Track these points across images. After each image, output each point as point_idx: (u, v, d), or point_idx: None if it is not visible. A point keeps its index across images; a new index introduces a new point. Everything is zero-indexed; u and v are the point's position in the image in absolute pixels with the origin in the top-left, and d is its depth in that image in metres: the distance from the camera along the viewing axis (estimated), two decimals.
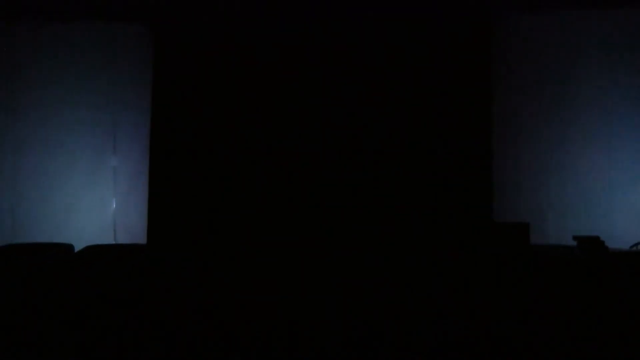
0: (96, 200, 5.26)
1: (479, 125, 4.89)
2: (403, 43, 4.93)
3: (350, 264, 4.55)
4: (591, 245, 4.13)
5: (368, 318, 4.00)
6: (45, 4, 5.11)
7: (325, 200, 4.91)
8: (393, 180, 4.91)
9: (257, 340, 3.82)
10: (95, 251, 4.55)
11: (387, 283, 4.36)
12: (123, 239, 5.18)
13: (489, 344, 3.77)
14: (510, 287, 4.04)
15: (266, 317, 4.02)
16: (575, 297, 3.93)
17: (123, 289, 4.33)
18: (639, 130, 4.68)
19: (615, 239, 4.41)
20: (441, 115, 4.92)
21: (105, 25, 5.23)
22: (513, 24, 4.99)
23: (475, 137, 4.87)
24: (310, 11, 4.97)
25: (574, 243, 4.14)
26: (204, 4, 5.04)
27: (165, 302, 4.26)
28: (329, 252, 4.56)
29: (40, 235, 5.05)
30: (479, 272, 4.19)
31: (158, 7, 5.09)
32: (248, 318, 4.11)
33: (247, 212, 5.01)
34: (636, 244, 4.43)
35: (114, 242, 5.14)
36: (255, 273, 4.54)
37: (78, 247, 4.60)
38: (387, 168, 4.93)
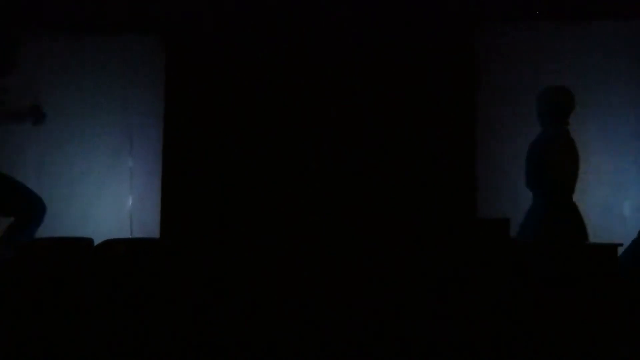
0: (114, 198, 5.34)
1: (463, 127, 4.98)
2: (391, 49, 5.04)
3: (337, 263, 4.51)
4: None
5: (358, 315, 4.04)
6: (68, 20, 5.19)
7: (318, 199, 5.03)
8: (381, 179, 5.02)
9: (259, 338, 3.84)
10: (113, 245, 4.57)
11: (375, 280, 4.37)
12: (138, 233, 5.28)
13: (476, 338, 3.84)
14: (492, 278, 4.13)
15: (267, 315, 4.07)
16: (547, 286, 4.04)
17: (137, 282, 4.39)
18: (612, 134, 4.83)
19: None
20: (427, 118, 5.01)
21: (121, 37, 5.30)
22: (496, 31, 5.10)
23: (460, 139, 4.98)
24: (311, 22, 5.12)
25: None
26: (212, 16, 5.17)
27: (173, 295, 4.32)
28: (321, 249, 4.57)
29: (63, 230, 5.12)
30: (463, 267, 4.24)
31: (169, 20, 5.20)
32: (251, 314, 4.14)
33: (252, 209, 5.09)
34: None
35: (130, 236, 5.25)
36: (259, 268, 4.54)
37: (97, 240, 4.61)
38: (376, 167, 5.03)
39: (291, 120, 5.14)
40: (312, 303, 4.21)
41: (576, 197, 4.72)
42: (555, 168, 4.47)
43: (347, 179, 5.04)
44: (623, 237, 4.34)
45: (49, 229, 5.14)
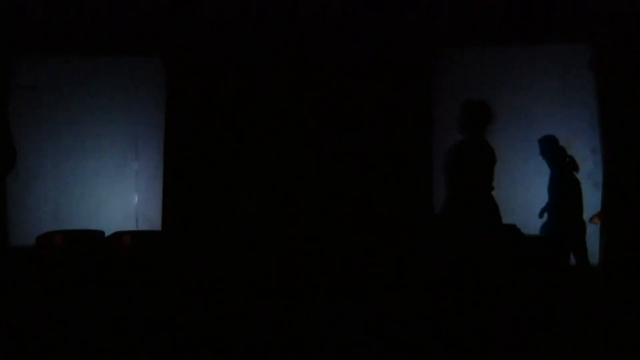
0: (122, 196, 5.59)
1: (422, 137, 5.36)
2: (364, 71, 5.40)
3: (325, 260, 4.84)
4: (509, 231, 4.74)
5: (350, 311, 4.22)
6: (82, 43, 5.43)
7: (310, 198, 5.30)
8: (351, 181, 5.35)
9: (255, 331, 3.84)
10: (121, 236, 5.02)
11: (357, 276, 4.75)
12: (143, 226, 5.51)
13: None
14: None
15: (263, 313, 4.21)
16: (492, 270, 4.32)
17: (141, 268, 4.78)
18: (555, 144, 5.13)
19: (530, 227, 5.05)
20: (393, 127, 5.36)
21: (128, 58, 5.57)
22: (449, 56, 5.46)
23: (420, 146, 5.36)
24: (299, 44, 5.44)
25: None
26: (207, 37, 5.44)
27: (172, 279, 4.67)
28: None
29: (78, 224, 5.41)
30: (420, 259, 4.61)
31: (168, 42, 5.46)
32: (246, 306, 4.34)
33: (245, 204, 5.35)
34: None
35: (136, 229, 5.46)
36: (253, 260, 4.88)
37: (108, 232, 5.08)
38: (348, 171, 5.36)
39: (284, 129, 5.43)
40: (307, 296, 4.50)
41: (524, 194, 5.25)
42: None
43: (337, 180, 5.33)
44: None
45: (66, 223, 5.51)
